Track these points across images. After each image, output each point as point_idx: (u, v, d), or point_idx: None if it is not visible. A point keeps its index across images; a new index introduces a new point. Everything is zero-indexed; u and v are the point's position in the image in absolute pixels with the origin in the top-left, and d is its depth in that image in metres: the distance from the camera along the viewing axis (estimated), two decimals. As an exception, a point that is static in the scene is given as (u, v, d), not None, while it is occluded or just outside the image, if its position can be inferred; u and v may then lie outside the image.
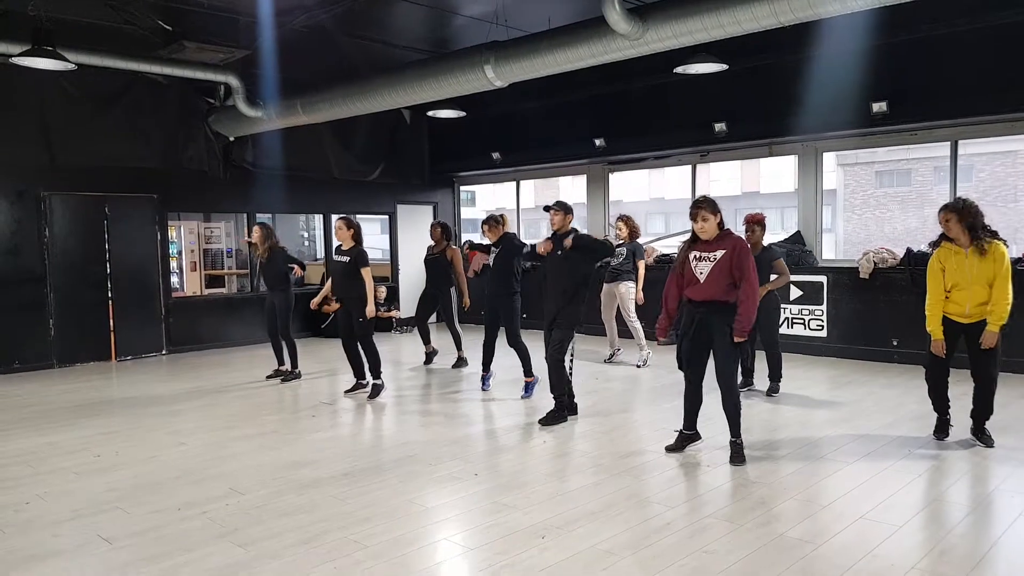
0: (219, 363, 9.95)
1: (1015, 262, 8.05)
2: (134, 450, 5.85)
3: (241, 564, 3.75)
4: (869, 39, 8.11)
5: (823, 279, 9.40)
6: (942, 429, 5.68)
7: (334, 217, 13.57)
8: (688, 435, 5.53)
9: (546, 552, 3.82)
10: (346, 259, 7.43)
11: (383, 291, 12.45)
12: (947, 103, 8.30)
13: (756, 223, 7.16)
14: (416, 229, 13.81)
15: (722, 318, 5.08)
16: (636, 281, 8.85)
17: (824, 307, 9.38)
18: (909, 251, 8.92)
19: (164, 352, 10.70)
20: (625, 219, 9.02)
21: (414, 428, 6.48)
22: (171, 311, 10.81)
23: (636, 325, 8.91)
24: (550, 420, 6.35)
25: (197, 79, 9.56)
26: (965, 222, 5.26)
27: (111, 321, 10.17)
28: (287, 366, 8.58)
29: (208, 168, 11.13)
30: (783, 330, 9.59)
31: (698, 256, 5.17)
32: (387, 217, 13.73)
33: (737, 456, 5.21)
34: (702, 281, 5.12)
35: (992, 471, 5.03)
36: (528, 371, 7.44)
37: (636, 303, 8.86)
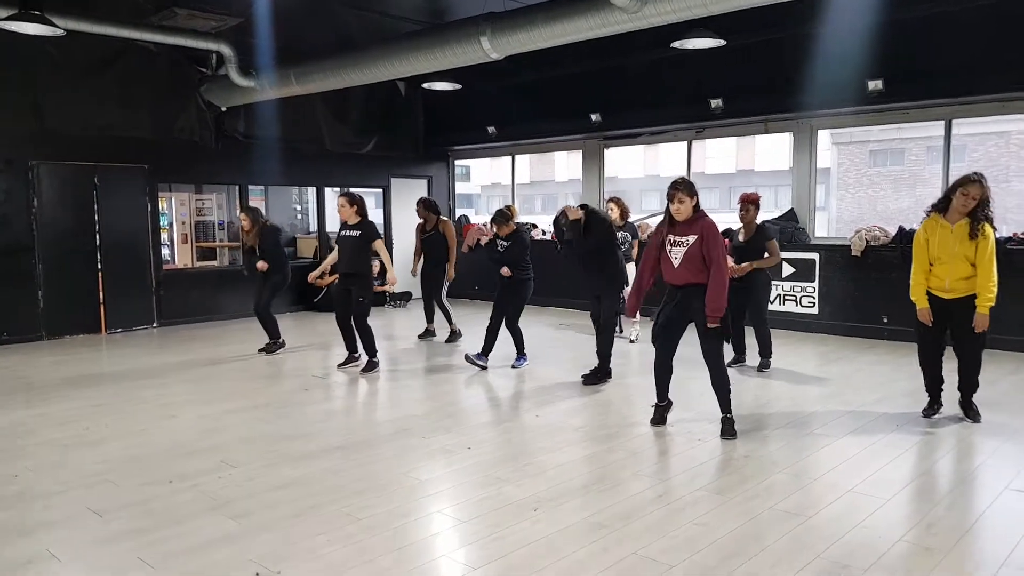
0: (211, 336, 9.92)
1: (1004, 242, 8.10)
2: (124, 423, 5.84)
3: (233, 536, 3.76)
4: (866, 17, 8.05)
5: (815, 256, 9.41)
6: (931, 408, 5.72)
7: (331, 192, 13.63)
8: (663, 406, 5.61)
9: (538, 524, 3.84)
10: (356, 233, 7.41)
11: (376, 264, 12.39)
12: (942, 82, 8.28)
13: (750, 203, 7.14)
14: (410, 203, 13.71)
15: (701, 300, 5.12)
16: (633, 260, 8.84)
17: (816, 284, 9.41)
18: (901, 229, 8.93)
19: (155, 325, 10.65)
20: (616, 200, 8.96)
21: (407, 402, 6.49)
22: (162, 283, 10.75)
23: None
24: (592, 379, 6.88)
25: (188, 47, 9.43)
26: (982, 202, 5.19)
27: (100, 293, 10.11)
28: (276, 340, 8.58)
29: (200, 138, 11.01)
30: (775, 307, 9.63)
31: (673, 241, 5.22)
32: (381, 191, 13.65)
33: (728, 431, 5.26)
34: (676, 266, 5.20)
35: (978, 446, 5.08)
36: (521, 352, 7.59)
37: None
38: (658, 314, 5.41)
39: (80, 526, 3.92)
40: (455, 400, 6.53)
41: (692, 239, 5.13)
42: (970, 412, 5.55)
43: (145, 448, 5.20)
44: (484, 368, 7.50)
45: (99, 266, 10.09)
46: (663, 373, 5.51)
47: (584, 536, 3.71)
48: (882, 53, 8.32)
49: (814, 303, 9.45)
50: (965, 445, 5.08)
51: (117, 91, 10.13)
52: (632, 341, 8.94)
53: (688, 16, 6.33)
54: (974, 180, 5.23)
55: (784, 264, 9.51)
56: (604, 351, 6.94)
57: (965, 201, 5.21)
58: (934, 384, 5.67)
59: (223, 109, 11.01)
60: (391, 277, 7.51)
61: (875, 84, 8.53)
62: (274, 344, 8.55)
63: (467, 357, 7.57)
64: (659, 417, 5.58)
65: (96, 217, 10.03)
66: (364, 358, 7.59)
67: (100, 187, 10.05)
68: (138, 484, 4.49)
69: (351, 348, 7.74)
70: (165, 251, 11.58)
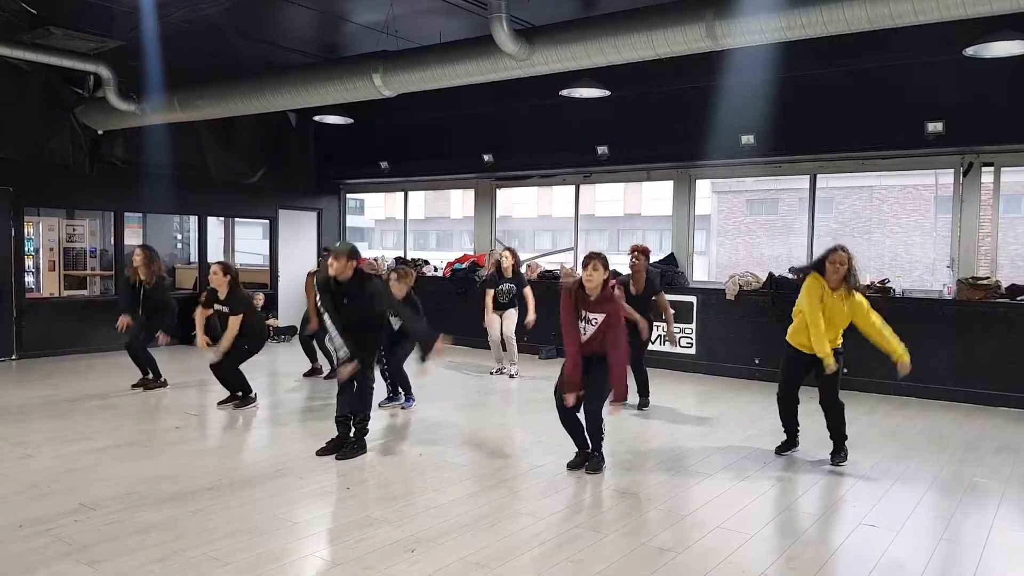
0: (77, 370, 9.33)
1: (862, 289, 8.76)
2: (-27, 462, 5.40)
3: (89, 584, 3.54)
4: (741, 76, 8.60)
5: (693, 299, 9.85)
6: (786, 447, 6.05)
7: (215, 221, 13.19)
8: (586, 452, 5.58)
9: (415, 566, 3.81)
10: (225, 309, 7.22)
11: (261, 298, 12.03)
12: (805, 139, 8.97)
13: (641, 252, 7.44)
14: (299, 235, 13.48)
15: (599, 367, 5.34)
16: (527, 310, 8.99)
17: (694, 326, 9.83)
18: (771, 275, 9.48)
19: (14, 357, 9.93)
20: (511, 251, 9.18)
21: (285, 441, 6.31)
22: (24, 313, 10.06)
23: (514, 342, 9.22)
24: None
25: (64, 67, 8.99)
26: (852, 267, 5.61)
27: (-47, 322, 9.36)
28: (151, 376, 8.19)
29: (72, 162, 10.47)
30: (655, 347, 9.97)
31: (585, 317, 5.41)
32: (268, 222, 13.32)
33: (594, 467, 5.45)
34: (584, 340, 5.40)
35: (836, 484, 5.39)
36: (408, 393, 7.53)
37: (527, 327, 9.05)
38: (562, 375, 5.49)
39: (-89, 578, 3.59)
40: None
41: (601, 318, 5.35)
42: (838, 457, 5.78)
43: (-7, 491, 4.83)
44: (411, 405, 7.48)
45: (-48, 293, 9.35)
46: (573, 425, 5.54)
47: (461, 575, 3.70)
48: (755, 110, 8.89)
49: (692, 344, 9.85)
50: (824, 482, 5.39)
51: (-19, 109, 9.53)
52: (512, 376, 9.08)
53: (574, 66, 6.62)
54: (838, 249, 5.70)
55: (665, 306, 9.93)
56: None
57: (839, 268, 5.60)
58: (791, 425, 6.03)
59: (100, 132, 10.53)
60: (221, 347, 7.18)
61: (747, 138, 9.11)
62: (154, 382, 8.13)
63: (382, 405, 7.33)
64: (578, 462, 5.55)
65: (-49, 240, 9.32)
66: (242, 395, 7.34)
67: (-43, 209, 9.36)
68: (-17, 531, 4.16)
69: (231, 388, 7.44)
70: (29, 279, 10.85)
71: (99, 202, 11.12)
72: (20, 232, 10.10)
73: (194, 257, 13.20)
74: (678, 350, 9.92)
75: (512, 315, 9.15)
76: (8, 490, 4.85)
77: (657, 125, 9.90)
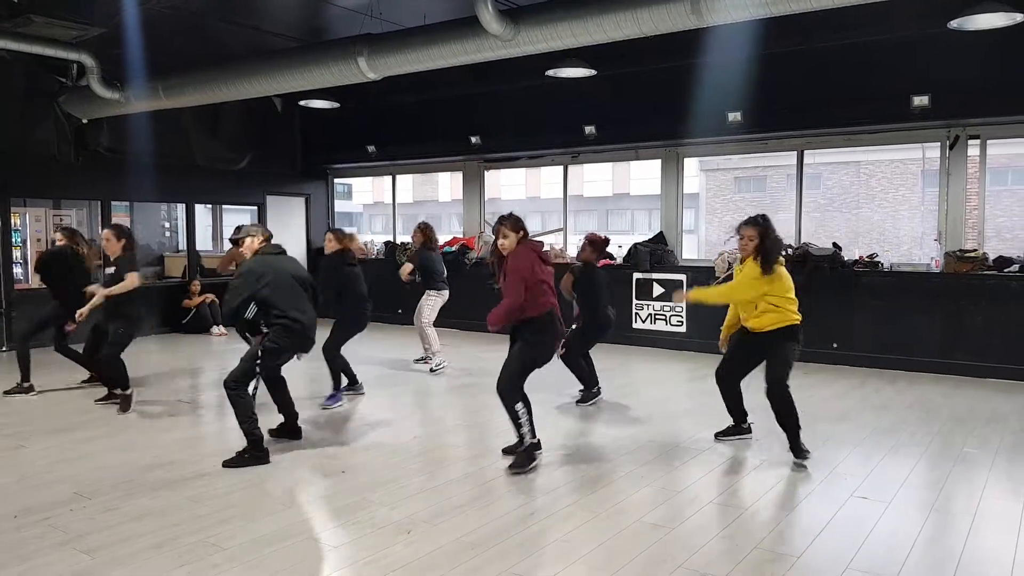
0: (66, 360, 9.23)
1: (852, 264, 8.84)
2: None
3: (85, 572, 3.55)
4: (727, 53, 8.56)
5: (683, 277, 9.88)
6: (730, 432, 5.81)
7: (202, 209, 13.08)
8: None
9: (411, 546, 3.84)
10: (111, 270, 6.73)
11: (197, 285, 11.74)
12: (792, 116, 8.97)
13: (589, 242, 7.09)
14: (287, 221, 13.42)
15: (518, 331, 5.14)
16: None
17: (683, 304, 9.86)
18: (760, 252, 9.50)
19: (3, 348, 9.89)
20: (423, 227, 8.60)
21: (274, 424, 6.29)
22: (12, 304, 10.01)
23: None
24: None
25: (47, 56, 8.88)
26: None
27: (-59, 315, 9.30)
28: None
29: (58, 152, 10.39)
30: (646, 325, 10.05)
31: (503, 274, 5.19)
32: (256, 208, 13.26)
33: (519, 465, 5.04)
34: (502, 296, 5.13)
35: (828, 457, 5.37)
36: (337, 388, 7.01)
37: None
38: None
39: (-92, 571, 3.60)
40: (328, 424, 6.40)
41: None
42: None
43: (-13, 483, 4.83)
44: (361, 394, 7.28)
45: (-62, 286, 9.28)
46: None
47: (457, 556, 3.73)
48: (741, 87, 8.87)
49: (682, 322, 9.90)
50: (815, 457, 5.40)
51: (-37, 100, 9.43)
52: (433, 370, 8.43)
53: (559, 46, 6.58)
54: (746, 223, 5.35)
55: (654, 284, 9.98)
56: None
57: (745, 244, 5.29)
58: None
59: (84, 121, 10.43)
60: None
61: (734, 116, 9.11)
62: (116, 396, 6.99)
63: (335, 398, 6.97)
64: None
65: (-63, 233, 9.24)
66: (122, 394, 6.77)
67: (-58, 201, 9.27)
68: (-22, 522, 4.17)
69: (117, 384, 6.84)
70: (17, 270, 10.78)
71: (85, 191, 11.05)
72: (7, 223, 10.03)
73: (183, 244, 13.14)
74: (669, 328, 9.97)
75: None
76: (2, 480, 4.86)
77: (644, 104, 9.88)
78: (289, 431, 5.77)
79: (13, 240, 10.48)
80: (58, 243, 7.51)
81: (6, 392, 7.34)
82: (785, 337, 5.21)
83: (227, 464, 5.10)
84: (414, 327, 8.64)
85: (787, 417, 5.18)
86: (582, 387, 7.01)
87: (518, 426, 5.06)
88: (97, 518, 4.21)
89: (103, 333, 6.99)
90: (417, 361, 8.87)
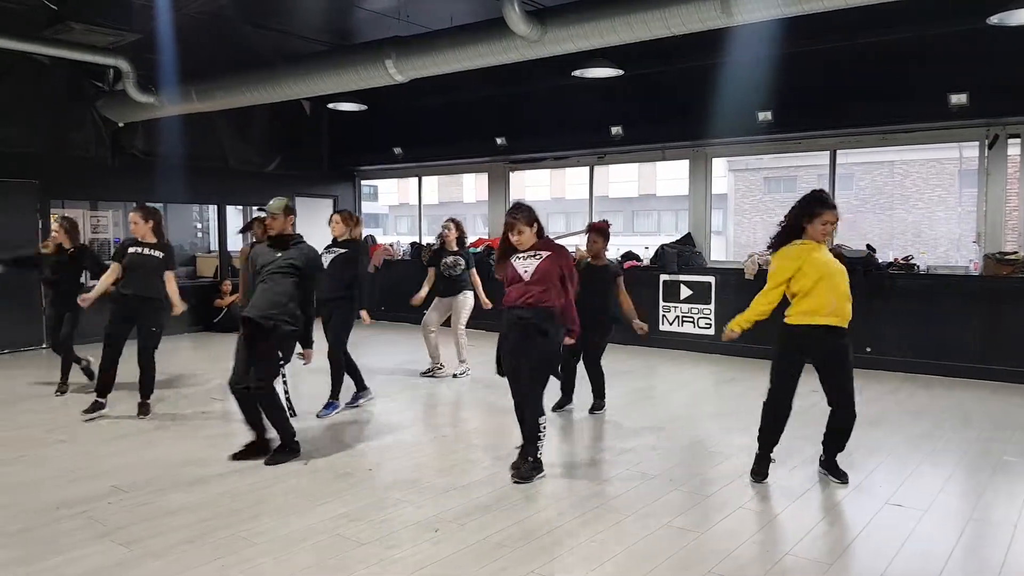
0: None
1: (886, 267, 8.71)
2: (3, 449, 5.52)
3: (122, 564, 3.62)
4: (758, 51, 8.48)
5: (711, 279, 9.80)
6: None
7: (233, 211, 13.25)
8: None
9: (439, 545, 3.86)
10: (156, 254, 6.53)
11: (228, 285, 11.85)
12: (825, 115, 8.84)
13: (596, 231, 6.55)
14: (315, 222, 13.51)
15: (541, 323, 4.75)
16: (474, 290, 8.13)
17: (712, 306, 9.78)
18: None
19: (44, 345, 10.10)
20: (456, 223, 8.25)
21: (308, 421, 6.34)
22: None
23: (465, 338, 8.18)
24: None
25: (85, 61, 9.08)
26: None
27: (-17, 313, 9.54)
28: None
29: (95, 154, 10.65)
30: (673, 327, 9.99)
31: (522, 256, 4.85)
32: (285, 210, 13.37)
33: (523, 474, 4.83)
34: (528, 279, 4.74)
35: (861, 463, 5.23)
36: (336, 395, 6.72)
37: (482, 308, 8.27)
38: (500, 342, 5.05)
39: (-49, 562, 3.69)
40: (355, 423, 6.45)
41: (546, 253, 4.82)
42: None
43: (29, 474, 4.94)
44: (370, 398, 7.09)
45: (-19, 284, 9.50)
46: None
47: (485, 555, 3.74)
48: (772, 86, 8.80)
49: (711, 324, 9.82)
50: (848, 462, 5.29)
51: (7, 105, 9.77)
52: (456, 375, 8.13)
53: (586, 46, 6.57)
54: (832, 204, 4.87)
55: (682, 286, 9.91)
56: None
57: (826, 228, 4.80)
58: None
59: (120, 125, 10.68)
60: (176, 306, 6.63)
61: (765, 115, 9.01)
62: (64, 385, 7.30)
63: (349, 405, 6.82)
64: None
65: (-20, 233, 9.49)
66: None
67: (-14, 203, 9.53)
68: (19, 512, 4.27)
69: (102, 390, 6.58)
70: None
71: (121, 193, 11.25)
72: (46, 224, 10.26)
73: (214, 245, 13.34)
74: (696, 331, 9.90)
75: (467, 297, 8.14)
76: (45, 474, 4.98)
77: (671, 103, 9.82)
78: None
79: (51, 240, 10.69)
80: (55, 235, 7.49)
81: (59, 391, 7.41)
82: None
83: (269, 463, 5.15)
84: (438, 331, 8.17)
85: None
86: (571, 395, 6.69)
87: (537, 440, 4.84)
88: (134, 511, 4.30)
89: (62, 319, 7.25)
90: (424, 374, 8.24)
